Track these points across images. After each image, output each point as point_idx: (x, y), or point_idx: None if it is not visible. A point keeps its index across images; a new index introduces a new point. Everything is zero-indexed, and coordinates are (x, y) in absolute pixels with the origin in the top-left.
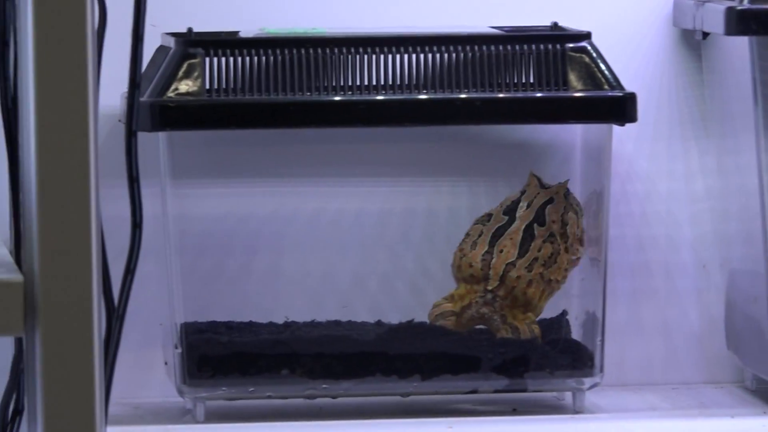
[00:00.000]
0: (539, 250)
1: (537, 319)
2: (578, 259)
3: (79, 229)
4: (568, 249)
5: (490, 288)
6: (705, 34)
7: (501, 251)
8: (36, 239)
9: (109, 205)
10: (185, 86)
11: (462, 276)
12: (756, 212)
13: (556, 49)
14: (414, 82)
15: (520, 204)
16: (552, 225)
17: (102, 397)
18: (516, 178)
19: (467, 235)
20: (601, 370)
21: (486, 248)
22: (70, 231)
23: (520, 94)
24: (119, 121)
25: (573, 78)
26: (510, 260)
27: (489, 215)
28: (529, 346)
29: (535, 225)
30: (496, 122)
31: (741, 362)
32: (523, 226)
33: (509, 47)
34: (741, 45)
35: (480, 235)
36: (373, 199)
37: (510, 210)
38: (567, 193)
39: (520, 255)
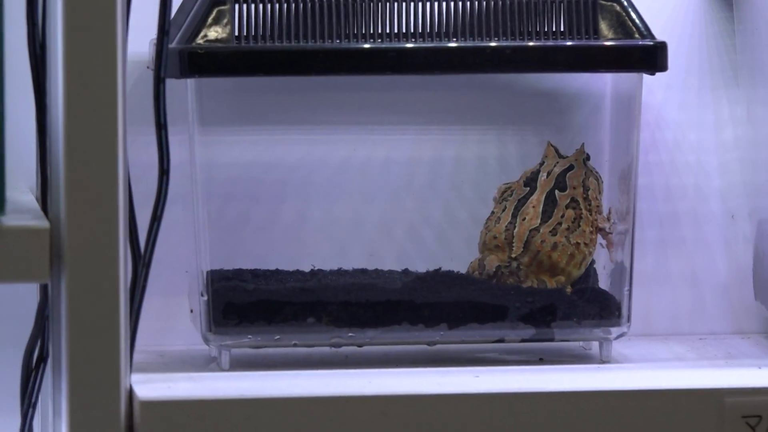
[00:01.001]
0: (562, 215)
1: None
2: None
3: (105, 175)
4: (591, 213)
5: (513, 255)
6: None
7: (524, 219)
8: (63, 186)
9: (137, 151)
10: (214, 33)
11: (488, 250)
12: None
13: None
14: (443, 29)
15: (540, 174)
16: (573, 190)
17: (127, 344)
18: (545, 127)
19: (492, 213)
20: (629, 319)
21: (509, 219)
22: (96, 178)
23: (550, 43)
24: (147, 67)
25: (604, 26)
26: (533, 226)
27: (511, 190)
28: (556, 296)
29: (557, 191)
30: (525, 71)
31: None
32: (545, 194)
33: None
34: None
35: (504, 210)
36: (401, 147)
37: (530, 181)
38: (586, 159)
39: (543, 221)
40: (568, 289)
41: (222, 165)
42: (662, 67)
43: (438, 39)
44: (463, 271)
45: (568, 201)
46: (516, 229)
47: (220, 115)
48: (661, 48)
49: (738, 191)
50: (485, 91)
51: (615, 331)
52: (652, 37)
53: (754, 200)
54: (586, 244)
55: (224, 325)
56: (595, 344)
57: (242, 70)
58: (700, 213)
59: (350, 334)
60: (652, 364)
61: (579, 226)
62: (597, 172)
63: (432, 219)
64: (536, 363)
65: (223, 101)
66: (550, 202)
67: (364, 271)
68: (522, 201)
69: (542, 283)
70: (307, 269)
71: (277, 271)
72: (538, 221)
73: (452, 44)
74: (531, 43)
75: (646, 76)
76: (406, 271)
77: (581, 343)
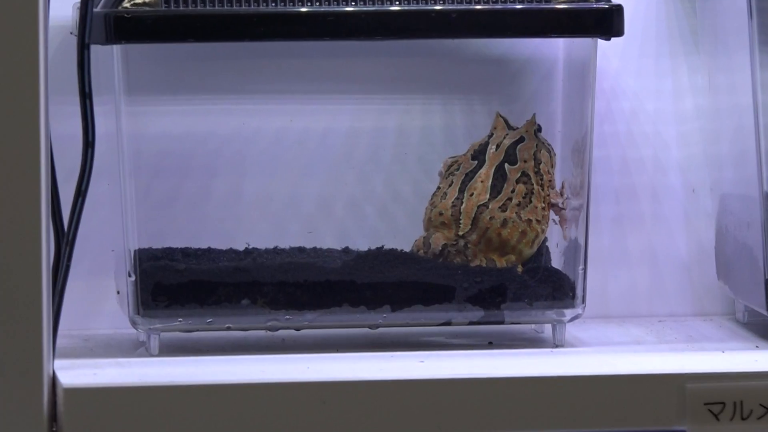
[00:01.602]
0: (513, 191)
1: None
2: (556, 203)
3: (26, 147)
4: (546, 191)
5: (461, 233)
6: None
7: (471, 195)
8: None
9: (60, 122)
10: None
11: (434, 227)
12: (749, 132)
13: None
14: None
15: (489, 147)
16: (524, 164)
17: (50, 328)
18: (494, 96)
19: (437, 188)
20: (583, 301)
21: (456, 195)
22: (16, 151)
23: (498, 6)
24: (71, 33)
25: None
26: (482, 202)
27: (458, 164)
28: (506, 276)
29: (506, 165)
30: (472, 36)
31: (732, 293)
32: (494, 168)
33: None
34: None
35: (450, 185)
36: (340, 118)
37: (478, 154)
38: (538, 130)
39: (493, 197)
40: (519, 269)
41: (151, 137)
42: (618, 31)
43: (380, 2)
44: (408, 249)
45: (519, 175)
46: (463, 205)
47: (149, 84)
48: (616, 11)
49: (699, 164)
50: (430, 58)
51: (569, 313)
52: None
53: (715, 173)
54: (538, 220)
55: (153, 308)
56: (548, 327)
57: (172, 36)
58: (659, 187)
59: (287, 317)
60: (609, 348)
61: (530, 201)
62: (549, 145)
63: (374, 194)
64: (485, 347)
65: (151, 69)
66: (500, 176)
67: (301, 249)
68: (470, 175)
69: (491, 262)
70: (241, 248)
71: (210, 250)
72: (487, 196)
73: (394, 8)
74: (478, 7)
75: (601, 42)
76: (346, 250)
77: (533, 326)
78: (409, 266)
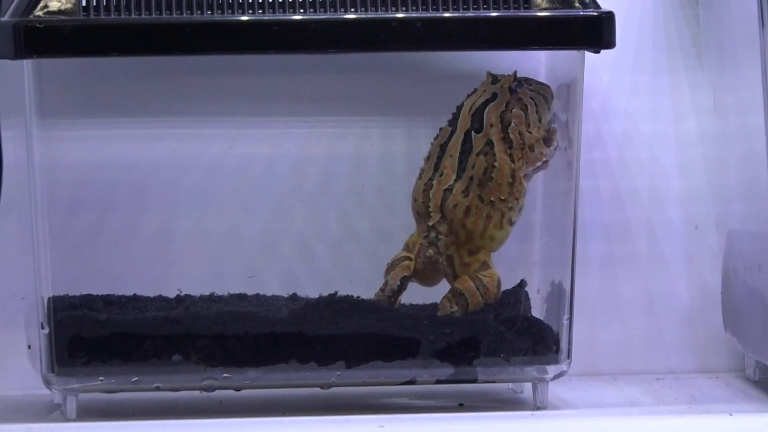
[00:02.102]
0: (473, 166)
1: (495, 259)
2: (535, 165)
3: None
4: (517, 157)
5: (431, 224)
6: None
7: (441, 174)
8: None
9: None
10: (56, 3)
11: (414, 216)
12: (760, 159)
13: None
14: None
15: (463, 108)
16: (490, 129)
17: None
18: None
19: (425, 159)
20: (569, 356)
21: (431, 174)
22: None
23: (470, 14)
24: None
25: None
26: (448, 185)
27: (441, 129)
28: (479, 326)
29: (473, 133)
30: (440, 48)
31: (741, 346)
32: (462, 137)
33: None
34: None
35: (428, 160)
36: (288, 143)
37: (454, 118)
38: (516, 86)
39: (459, 175)
40: (491, 283)
41: (67, 166)
42: (609, 43)
43: (332, 9)
44: (366, 296)
45: (483, 145)
46: (432, 189)
47: (65, 105)
48: (607, 20)
49: (702, 196)
50: (391, 74)
51: (552, 369)
52: (597, 6)
53: (721, 206)
54: (502, 199)
55: (70, 365)
56: (528, 386)
57: (92, 49)
58: (657, 222)
59: (226, 375)
60: (599, 411)
61: (492, 178)
62: (532, 96)
63: (326, 232)
64: (455, 410)
65: (68, 87)
66: (467, 147)
67: (242, 296)
68: (443, 147)
69: (460, 297)
70: (172, 295)
71: (136, 298)
72: (454, 176)
73: (350, 16)
74: (447, 15)
75: (589, 55)
76: (294, 297)
77: (510, 385)
78: (367, 316)
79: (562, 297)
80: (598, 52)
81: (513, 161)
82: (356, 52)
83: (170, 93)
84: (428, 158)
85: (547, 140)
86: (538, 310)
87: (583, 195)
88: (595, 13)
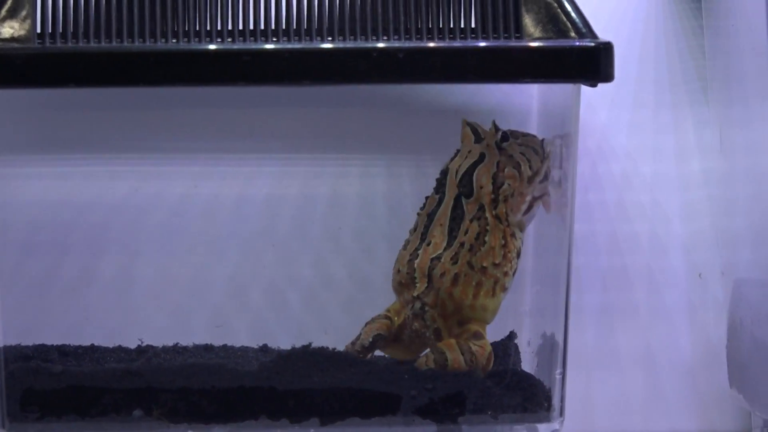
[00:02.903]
0: (466, 232)
1: (488, 328)
2: (521, 209)
3: None
4: (503, 217)
5: (416, 294)
6: None
7: (429, 243)
8: None
9: None
10: (9, 29)
11: (393, 287)
12: None
13: None
14: (315, 26)
15: (449, 172)
16: (480, 191)
17: None
18: (450, 156)
19: (411, 231)
20: (561, 413)
21: (417, 244)
22: None
23: (457, 44)
24: None
25: (529, 22)
26: (436, 254)
27: (427, 198)
28: (465, 381)
29: (463, 198)
30: (424, 81)
31: (747, 404)
32: (451, 204)
33: None
34: None
35: (415, 230)
36: (259, 182)
37: (440, 185)
38: (502, 141)
39: (449, 244)
40: (480, 353)
41: (19, 206)
42: (606, 76)
43: (308, 38)
44: (343, 347)
45: (476, 211)
46: (418, 259)
47: (18, 140)
48: (604, 51)
49: (707, 241)
50: (371, 108)
51: (543, 428)
52: (593, 36)
53: (728, 253)
54: (495, 264)
55: (22, 420)
56: None
57: (47, 80)
58: (658, 270)
59: None
60: None
61: (485, 242)
62: (522, 151)
63: (300, 278)
64: None
65: (21, 121)
66: (458, 213)
67: (208, 347)
68: (431, 216)
69: (441, 357)
70: (132, 345)
71: (93, 348)
72: (444, 244)
73: (327, 45)
74: (432, 44)
75: (585, 89)
76: (264, 348)
77: None
78: (344, 369)
79: (554, 350)
80: (595, 85)
81: (501, 221)
82: (333, 85)
83: (132, 127)
84: (415, 229)
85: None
86: (528, 364)
87: (577, 240)
88: (592, 44)
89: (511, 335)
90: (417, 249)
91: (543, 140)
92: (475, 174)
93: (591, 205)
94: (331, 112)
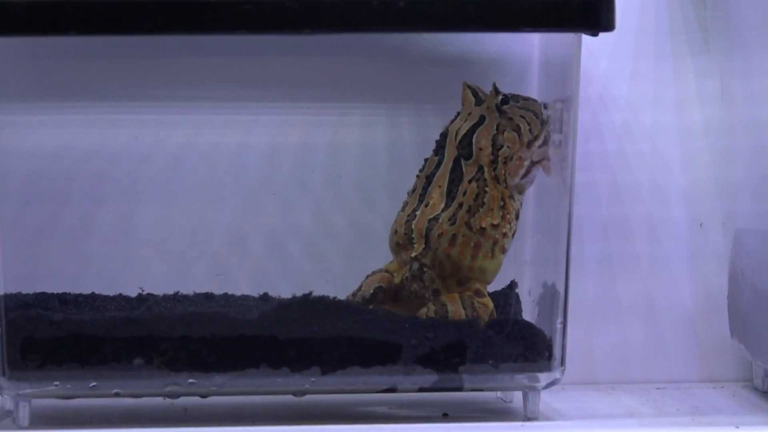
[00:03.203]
0: (465, 194)
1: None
2: (518, 173)
3: None
4: (502, 179)
5: (413, 255)
6: None
7: (428, 204)
8: None
9: None
10: None
11: (391, 248)
12: None
13: None
14: None
15: (449, 134)
16: (479, 153)
17: None
18: (451, 105)
19: (409, 192)
20: (562, 363)
21: (416, 204)
22: None
23: None
24: None
25: None
26: (434, 214)
27: (426, 159)
28: (465, 329)
29: (462, 160)
30: (424, 30)
31: (748, 354)
32: (450, 165)
33: None
34: None
35: (413, 191)
36: (259, 131)
37: (440, 147)
38: (502, 104)
39: (448, 204)
40: (482, 307)
41: (19, 154)
42: (607, 25)
43: None
44: (344, 296)
45: (475, 172)
46: (416, 220)
47: (17, 89)
48: (605, 0)
49: (708, 191)
50: (371, 57)
51: (544, 377)
52: None
53: (729, 203)
54: (494, 225)
55: (23, 368)
56: (519, 395)
57: (47, 28)
58: (658, 220)
59: (191, 381)
60: (594, 423)
61: (483, 203)
62: (522, 114)
63: (300, 227)
64: (439, 419)
65: (18, 70)
66: (457, 175)
67: (209, 296)
68: (430, 177)
69: (442, 308)
70: (133, 293)
71: (94, 297)
72: (443, 205)
73: None
74: None
75: (586, 38)
76: (265, 297)
77: (499, 393)
78: (344, 318)
79: (555, 299)
80: (596, 35)
81: (499, 182)
82: (334, 33)
83: (131, 76)
84: (413, 191)
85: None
86: (529, 314)
87: (578, 190)
88: None
89: (512, 285)
90: (415, 210)
91: (544, 104)
92: (474, 136)
93: (592, 155)
94: (332, 60)
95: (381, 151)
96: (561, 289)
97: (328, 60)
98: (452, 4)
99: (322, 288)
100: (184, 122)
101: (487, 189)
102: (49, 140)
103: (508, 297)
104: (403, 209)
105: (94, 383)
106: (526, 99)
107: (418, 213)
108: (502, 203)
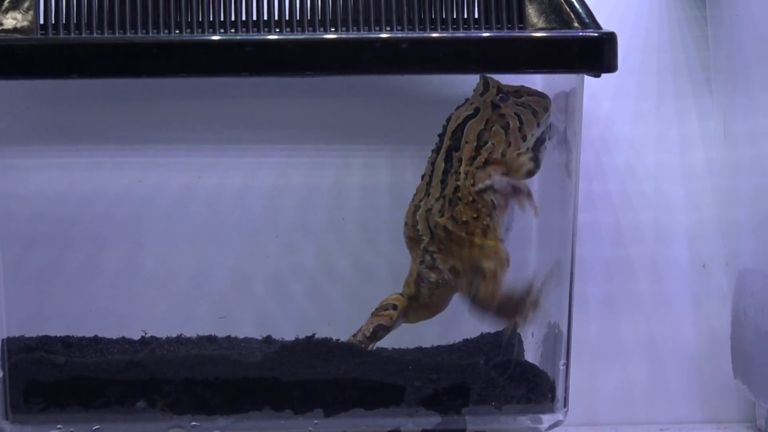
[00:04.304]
0: (448, 185)
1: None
2: (481, 185)
3: None
4: (472, 174)
5: (422, 247)
6: None
7: (429, 194)
8: None
9: None
10: (12, 20)
11: (405, 243)
12: None
13: None
14: (318, 16)
15: (450, 122)
16: (465, 145)
17: None
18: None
19: (422, 177)
20: (565, 404)
21: (423, 194)
22: None
23: (460, 34)
24: None
25: (532, 12)
26: (429, 206)
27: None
28: (469, 372)
29: (453, 152)
30: (428, 71)
31: (752, 394)
32: (444, 155)
33: None
34: None
35: (423, 177)
36: (262, 173)
37: (443, 132)
38: (500, 100)
39: (441, 195)
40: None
41: (22, 198)
42: (610, 66)
43: (311, 29)
44: (347, 338)
45: (457, 164)
46: (419, 211)
47: (20, 131)
48: (608, 41)
49: (711, 231)
50: (375, 99)
51: (547, 419)
52: (597, 26)
53: (732, 243)
54: (475, 217)
55: (26, 411)
56: None
57: (50, 71)
58: (661, 261)
59: (194, 424)
60: None
61: (459, 198)
62: (517, 112)
63: (303, 269)
64: None
65: (21, 113)
66: (449, 165)
67: (212, 339)
68: (434, 164)
69: (454, 274)
70: (136, 336)
71: (97, 339)
72: (438, 194)
73: (330, 36)
74: (435, 35)
75: (588, 79)
76: (268, 340)
77: None
78: (347, 360)
79: (558, 340)
80: (598, 76)
81: (467, 179)
82: (337, 75)
83: (135, 118)
84: (423, 176)
85: (531, 160)
86: (532, 355)
87: (581, 230)
88: (596, 34)
89: (515, 325)
90: (420, 199)
91: (550, 100)
92: (466, 128)
93: (595, 196)
94: (334, 102)
95: (384, 193)
96: (564, 329)
97: (331, 102)
98: (454, 45)
99: (325, 330)
100: (187, 165)
101: (458, 183)
102: (52, 183)
103: (510, 338)
104: (413, 198)
105: (97, 426)
106: (531, 94)
107: (421, 204)
108: (470, 198)
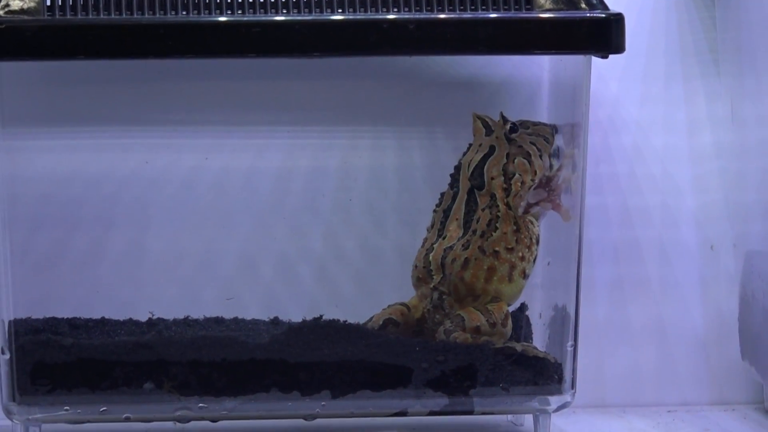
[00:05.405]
0: (478, 221)
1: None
2: (518, 193)
3: None
4: (512, 204)
5: (432, 285)
6: None
7: (445, 237)
8: None
9: None
10: (19, 2)
11: (413, 284)
12: None
13: None
14: None
15: (462, 167)
16: (491, 182)
17: None
18: (461, 128)
19: (428, 228)
20: (573, 386)
21: (435, 239)
22: None
23: (468, 15)
24: None
25: None
26: (450, 244)
27: (442, 194)
28: (476, 354)
29: (476, 191)
30: (435, 53)
31: (760, 376)
32: (465, 198)
33: None
34: None
35: (432, 226)
36: (269, 155)
37: (455, 180)
38: (511, 131)
39: (464, 235)
40: (497, 311)
41: (29, 179)
42: (617, 47)
43: (318, 10)
44: (354, 320)
45: (489, 201)
46: (433, 252)
47: (28, 113)
48: (615, 22)
49: (719, 213)
50: (382, 81)
51: (554, 401)
52: (604, 7)
53: (740, 226)
54: (509, 248)
55: (33, 393)
56: (529, 418)
57: (58, 52)
58: (669, 243)
59: (201, 405)
60: None
61: (496, 228)
62: (532, 141)
63: (310, 251)
64: None
65: (31, 93)
66: (472, 206)
67: (219, 320)
68: (447, 211)
69: (458, 321)
70: (143, 318)
71: (104, 321)
72: (459, 235)
73: (337, 17)
74: (442, 16)
75: (596, 60)
76: (275, 321)
77: (510, 417)
78: (354, 342)
79: (566, 322)
80: (606, 57)
81: (510, 208)
82: (344, 56)
83: (142, 100)
84: (432, 226)
85: (552, 178)
86: (540, 337)
87: (589, 213)
88: (603, 15)
89: (522, 308)
90: (433, 244)
91: (554, 127)
92: (486, 166)
93: (602, 178)
94: (342, 84)
95: (391, 175)
96: (572, 312)
97: (338, 83)
98: (462, 26)
99: (332, 312)
100: (194, 146)
101: (499, 215)
102: (59, 165)
103: (518, 320)
104: (423, 245)
105: (104, 408)
106: (536, 124)
107: (435, 246)
108: (514, 227)
